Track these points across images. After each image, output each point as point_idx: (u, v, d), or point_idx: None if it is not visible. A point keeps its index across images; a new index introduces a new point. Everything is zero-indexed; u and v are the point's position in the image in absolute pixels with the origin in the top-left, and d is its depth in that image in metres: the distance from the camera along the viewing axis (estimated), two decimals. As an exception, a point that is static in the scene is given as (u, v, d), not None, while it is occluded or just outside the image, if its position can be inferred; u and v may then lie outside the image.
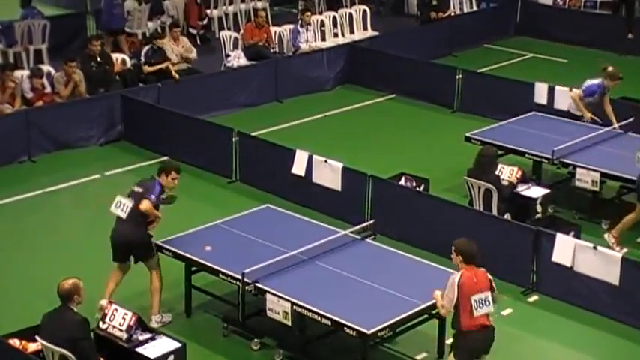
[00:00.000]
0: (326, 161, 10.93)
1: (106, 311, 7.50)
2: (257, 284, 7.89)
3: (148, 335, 7.43)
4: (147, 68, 14.37)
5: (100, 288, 8.65)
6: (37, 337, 7.04)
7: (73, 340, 6.79)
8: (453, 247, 7.17)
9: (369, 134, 13.96)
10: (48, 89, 13.39)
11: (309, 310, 7.53)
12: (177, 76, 14.32)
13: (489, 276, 7.18)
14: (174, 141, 12.70)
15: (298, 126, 14.15)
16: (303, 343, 8.02)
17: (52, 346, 6.86)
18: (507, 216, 10.08)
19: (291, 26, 16.55)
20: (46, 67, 14.04)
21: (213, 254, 8.42)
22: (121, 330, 7.38)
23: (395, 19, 20.52)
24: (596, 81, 12.04)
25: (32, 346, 7.22)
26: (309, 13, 16.64)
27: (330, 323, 7.45)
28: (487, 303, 7.06)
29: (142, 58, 14.44)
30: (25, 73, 13.61)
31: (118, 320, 7.41)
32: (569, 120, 12.36)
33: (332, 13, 17.88)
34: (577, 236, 9.62)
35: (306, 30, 16.31)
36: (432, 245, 9.81)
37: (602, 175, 10.67)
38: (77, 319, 6.87)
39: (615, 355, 8.57)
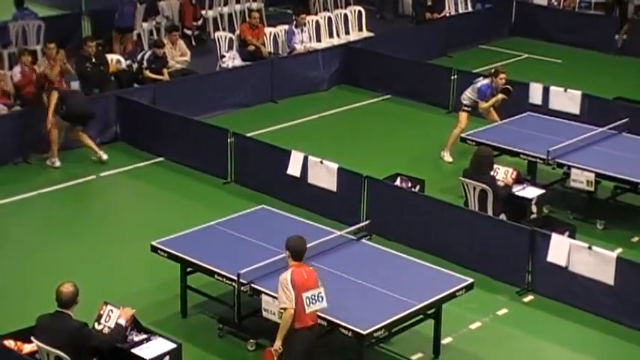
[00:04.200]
0: (321, 162, 10.93)
1: (102, 312, 7.48)
2: (252, 285, 7.89)
3: (144, 336, 7.41)
4: (147, 74, 14.38)
5: (95, 288, 8.64)
6: (32, 339, 7.03)
7: (79, 346, 6.85)
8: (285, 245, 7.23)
9: (365, 135, 13.97)
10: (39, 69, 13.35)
11: (305, 311, 7.52)
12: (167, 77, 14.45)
13: (316, 274, 7.23)
14: (169, 142, 12.70)
15: (294, 126, 14.15)
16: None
17: (48, 348, 6.86)
18: (503, 216, 10.09)
19: (286, 27, 16.56)
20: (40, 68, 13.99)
21: (208, 255, 8.40)
22: (116, 331, 7.36)
23: (390, 19, 20.56)
24: (485, 82, 12.61)
25: (27, 347, 7.20)
26: (304, 15, 16.64)
27: (325, 324, 7.45)
28: (320, 299, 7.07)
29: (144, 63, 14.45)
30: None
31: (114, 321, 7.38)
32: (564, 120, 12.43)
33: (327, 14, 17.89)
34: (572, 236, 9.63)
35: (301, 31, 16.31)
36: (427, 246, 9.83)
37: (597, 175, 10.69)
38: (77, 325, 6.90)
39: (611, 354, 8.58)
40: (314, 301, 7.04)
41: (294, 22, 16.40)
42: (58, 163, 12.41)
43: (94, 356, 7.06)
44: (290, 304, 7.01)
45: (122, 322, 7.23)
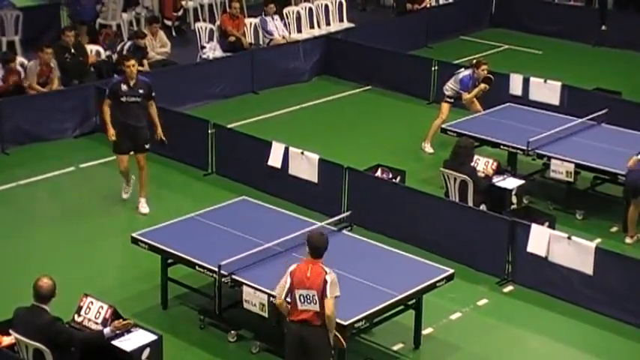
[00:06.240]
0: (302, 153, 10.92)
1: (82, 304, 7.45)
2: (233, 276, 7.89)
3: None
4: None
5: (72, 282, 8.60)
6: (10, 331, 6.99)
7: (52, 341, 6.79)
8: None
9: (346, 126, 13.96)
10: (22, 75, 13.25)
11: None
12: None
13: (328, 279, 6.85)
14: (149, 133, 12.60)
15: (274, 118, 14.13)
16: (280, 335, 8.01)
17: (26, 340, 6.82)
18: (483, 207, 10.14)
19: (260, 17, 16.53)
20: (18, 59, 13.88)
21: (189, 246, 8.38)
22: (96, 323, 7.33)
23: (371, 10, 20.55)
24: (467, 73, 12.63)
25: (6, 340, 7.16)
26: (272, 5, 16.51)
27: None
28: (311, 301, 6.86)
29: (125, 54, 14.34)
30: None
31: (94, 313, 7.36)
32: (544, 111, 12.49)
33: (308, 5, 17.86)
34: (552, 227, 9.69)
35: (273, 19, 16.26)
36: (408, 236, 9.86)
37: (577, 165, 10.76)
38: (48, 319, 6.83)
39: (589, 343, 8.64)
40: (303, 301, 6.87)
41: (264, 12, 16.37)
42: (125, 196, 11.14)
43: (72, 348, 7.02)
44: (279, 292, 6.96)
45: (108, 331, 7.15)
